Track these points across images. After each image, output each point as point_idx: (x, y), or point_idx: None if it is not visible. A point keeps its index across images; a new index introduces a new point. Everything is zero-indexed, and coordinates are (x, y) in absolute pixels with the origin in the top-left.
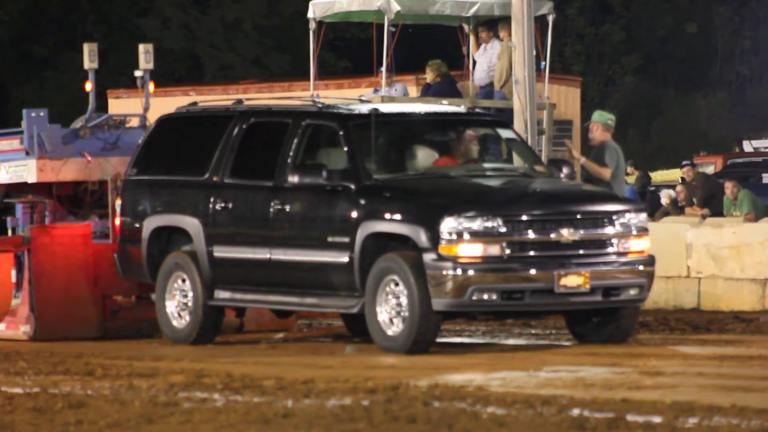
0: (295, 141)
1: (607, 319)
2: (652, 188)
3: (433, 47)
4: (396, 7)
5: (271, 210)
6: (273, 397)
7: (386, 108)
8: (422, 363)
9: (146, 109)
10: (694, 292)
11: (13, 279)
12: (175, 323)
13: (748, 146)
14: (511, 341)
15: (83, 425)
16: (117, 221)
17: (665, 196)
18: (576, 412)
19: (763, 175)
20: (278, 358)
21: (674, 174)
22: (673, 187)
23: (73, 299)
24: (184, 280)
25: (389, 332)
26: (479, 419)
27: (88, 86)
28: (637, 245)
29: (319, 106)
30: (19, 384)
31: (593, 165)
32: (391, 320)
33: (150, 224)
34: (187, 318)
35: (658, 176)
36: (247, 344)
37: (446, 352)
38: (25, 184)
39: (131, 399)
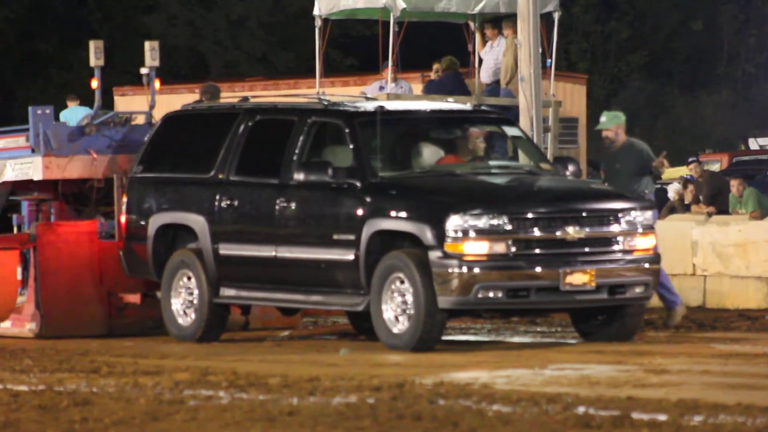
0: (301, 138)
1: (613, 317)
2: (657, 185)
3: (438, 45)
4: (402, 4)
5: (277, 207)
6: (278, 394)
7: (392, 105)
8: (428, 361)
9: (152, 106)
10: (699, 290)
11: (19, 276)
12: (180, 321)
13: (753, 144)
14: (516, 339)
15: (88, 423)
16: (123, 219)
17: (672, 191)
18: (581, 409)
19: None
20: (283, 356)
21: (680, 171)
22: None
23: (78, 297)
24: (189, 278)
25: (395, 330)
26: (484, 417)
27: (94, 83)
28: (643, 243)
29: (325, 103)
30: (25, 382)
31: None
32: (396, 318)
33: (156, 222)
34: (193, 316)
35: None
36: (253, 342)
37: (452, 349)
38: (30, 181)
39: (136, 397)
